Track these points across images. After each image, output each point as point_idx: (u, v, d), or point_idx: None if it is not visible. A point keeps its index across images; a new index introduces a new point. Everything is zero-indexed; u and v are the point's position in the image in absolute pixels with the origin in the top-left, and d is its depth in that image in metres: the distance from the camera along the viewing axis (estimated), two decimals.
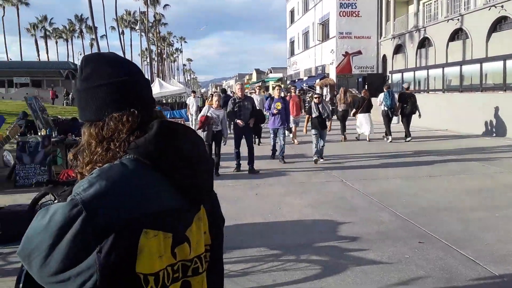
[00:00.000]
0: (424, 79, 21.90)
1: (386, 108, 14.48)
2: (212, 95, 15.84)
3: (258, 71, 75.17)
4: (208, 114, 9.01)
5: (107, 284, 1.05)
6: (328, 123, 10.64)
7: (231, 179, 8.80)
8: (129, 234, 1.07)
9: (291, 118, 13.68)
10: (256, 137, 11.99)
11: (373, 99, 15.85)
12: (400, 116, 14.70)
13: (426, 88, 21.49)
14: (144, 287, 1.09)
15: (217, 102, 9.18)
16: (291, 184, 8.24)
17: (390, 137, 14.23)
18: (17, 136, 7.54)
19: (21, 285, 2.56)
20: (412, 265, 4.37)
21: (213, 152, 9.22)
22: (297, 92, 15.79)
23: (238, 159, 9.52)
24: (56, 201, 4.35)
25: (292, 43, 50.93)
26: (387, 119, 14.49)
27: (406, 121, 14.31)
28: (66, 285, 1.08)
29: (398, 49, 33.28)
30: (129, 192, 1.10)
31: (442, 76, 20.23)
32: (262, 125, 10.64)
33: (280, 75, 56.51)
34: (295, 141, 14.42)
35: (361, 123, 14.58)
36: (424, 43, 29.80)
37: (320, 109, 10.23)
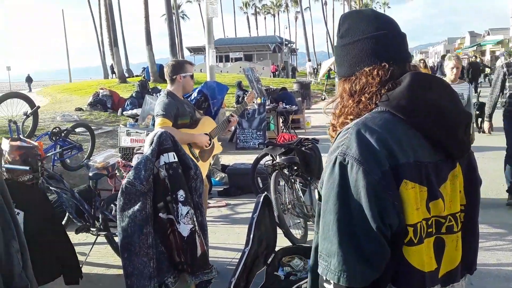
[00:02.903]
0: None
1: None
2: (423, 61, 11.86)
3: (473, 34, 66.66)
4: None
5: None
6: None
7: None
8: (390, 183, 1.08)
9: None
10: None
11: None
12: None
13: None
14: (403, 238, 1.10)
15: (455, 71, 5.02)
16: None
17: None
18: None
19: (251, 235, 2.92)
20: None
21: None
22: None
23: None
24: (273, 161, 4.74)
25: None
26: None
27: None
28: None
29: None
30: (384, 143, 1.10)
31: None
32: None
33: (500, 37, 49.08)
34: None
35: None
36: None
37: None
